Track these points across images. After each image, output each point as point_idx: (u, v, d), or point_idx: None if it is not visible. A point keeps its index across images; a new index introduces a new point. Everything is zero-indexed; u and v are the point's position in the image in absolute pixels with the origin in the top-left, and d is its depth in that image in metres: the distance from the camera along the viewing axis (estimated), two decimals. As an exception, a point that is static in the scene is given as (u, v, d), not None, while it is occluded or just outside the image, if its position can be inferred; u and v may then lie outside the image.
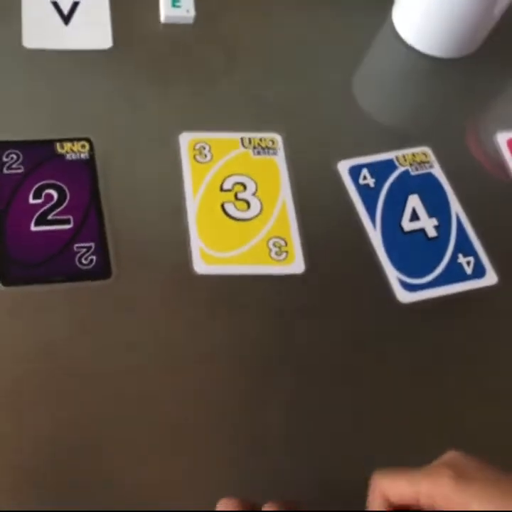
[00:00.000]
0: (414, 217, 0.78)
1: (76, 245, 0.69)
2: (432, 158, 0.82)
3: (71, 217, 0.71)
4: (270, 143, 0.80)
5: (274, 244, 0.73)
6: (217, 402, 0.66)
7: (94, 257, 0.69)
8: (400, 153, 0.82)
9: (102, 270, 0.69)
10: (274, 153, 0.79)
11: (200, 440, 0.64)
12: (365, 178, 0.79)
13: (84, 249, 0.69)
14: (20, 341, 0.65)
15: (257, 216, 0.75)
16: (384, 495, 0.51)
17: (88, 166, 0.74)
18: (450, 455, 0.50)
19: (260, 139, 0.80)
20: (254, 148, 0.79)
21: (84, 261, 0.68)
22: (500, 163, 0.84)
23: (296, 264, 0.73)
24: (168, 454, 0.63)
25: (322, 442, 0.65)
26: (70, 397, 0.64)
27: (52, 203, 0.71)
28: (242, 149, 0.79)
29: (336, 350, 0.70)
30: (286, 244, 0.73)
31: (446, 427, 0.67)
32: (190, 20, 0.86)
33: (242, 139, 0.80)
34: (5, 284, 0.67)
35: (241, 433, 0.65)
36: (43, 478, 0.61)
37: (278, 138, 0.80)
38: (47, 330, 0.66)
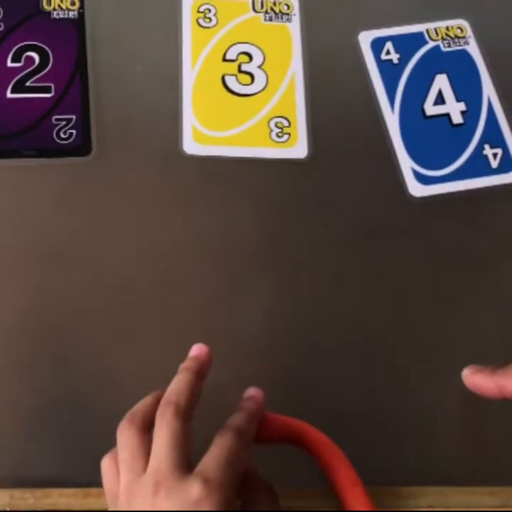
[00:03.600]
0: (440, 100, 0.70)
1: (55, 117, 0.64)
2: (469, 33, 0.73)
3: (52, 86, 0.65)
4: (285, 7, 0.72)
5: (276, 125, 0.66)
6: (196, 294, 0.62)
7: (74, 131, 0.64)
8: (431, 25, 0.73)
9: (81, 146, 0.64)
10: (288, 20, 0.71)
11: (177, 329, 0.60)
12: (388, 52, 0.72)
13: (63, 122, 0.64)
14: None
15: (260, 92, 0.68)
16: None
17: (76, 26, 0.67)
18: None
19: (274, 3, 0.71)
20: (267, 12, 0.71)
21: (62, 135, 0.63)
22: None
23: (298, 148, 0.66)
24: (142, 340, 0.60)
25: (307, 345, 0.61)
26: (44, 277, 0.61)
27: (33, 67, 0.65)
28: (252, 14, 0.71)
29: (336, 246, 0.64)
30: (289, 124, 0.67)
31: (452, 327, 0.63)
32: None
33: (253, 1, 0.71)
34: (-27, 157, 0.63)
35: (219, 328, 0.61)
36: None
37: (294, 1, 0.72)
38: (19, 208, 0.63)
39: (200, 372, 0.50)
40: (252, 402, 0.51)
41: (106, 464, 0.48)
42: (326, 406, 0.58)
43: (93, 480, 0.49)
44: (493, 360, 0.59)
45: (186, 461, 0.45)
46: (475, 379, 0.56)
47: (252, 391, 0.52)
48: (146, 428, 0.47)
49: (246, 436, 0.48)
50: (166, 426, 0.46)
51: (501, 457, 0.57)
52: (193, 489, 0.43)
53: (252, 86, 0.68)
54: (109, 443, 0.48)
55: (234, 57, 0.69)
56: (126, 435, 0.47)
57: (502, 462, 0.57)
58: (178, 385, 0.48)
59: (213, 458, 0.45)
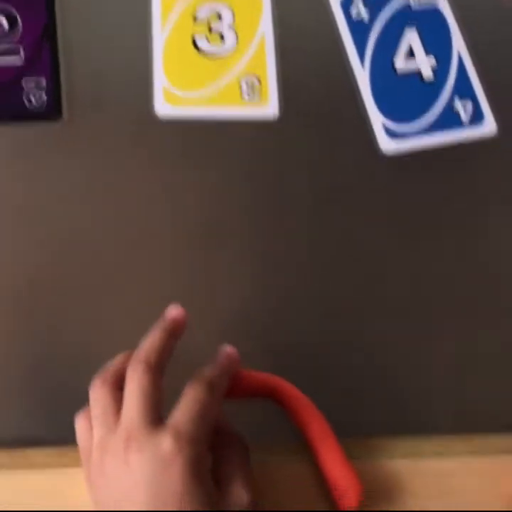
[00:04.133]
0: (410, 55, 0.70)
1: (25, 79, 0.64)
2: (439, -12, 0.73)
3: (21, 48, 0.65)
4: (254, -34, 0.71)
5: (247, 84, 0.67)
6: (173, 260, 0.62)
7: (44, 95, 0.63)
8: (402, -20, 0.73)
9: (52, 110, 0.63)
10: (258, -21, 0.71)
11: (152, 297, 0.60)
12: (358, 9, 0.71)
13: (33, 85, 0.63)
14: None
15: (230, 51, 0.68)
16: None
17: (44, -11, 0.67)
18: None
19: (244, -41, 0.71)
20: (237, -30, 0.71)
21: (32, 99, 0.63)
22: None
23: (269, 107, 0.66)
24: (117, 306, 0.61)
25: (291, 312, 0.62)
26: (16, 240, 0.62)
27: (1, 31, 0.65)
28: (221, -27, 0.71)
29: (308, 204, 0.65)
30: (260, 83, 0.67)
31: (424, 285, 0.63)
32: None
33: (222, -40, 0.71)
34: None
35: (195, 296, 0.61)
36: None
37: (263, -40, 0.72)
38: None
39: (173, 332, 0.51)
40: (225, 358, 0.52)
41: (80, 420, 0.49)
42: (300, 361, 0.59)
43: (68, 439, 0.49)
44: (472, 317, 0.61)
45: (157, 416, 0.46)
46: None
47: (225, 348, 0.53)
48: (118, 385, 0.48)
49: (218, 390, 0.48)
50: (136, 382, 0.46)
51: (474, 404, 0.59)
52: (165, 443, 0.44)
53: (222, 46, 0.68)
54: (83, 402, 0.48)
55: (204, 17, 0.69)
56: (98, 392, 0.48)
57: (475, 409, 0.59)
58: (149, 343, 0.49)
59: (185, 412, 0.46)
